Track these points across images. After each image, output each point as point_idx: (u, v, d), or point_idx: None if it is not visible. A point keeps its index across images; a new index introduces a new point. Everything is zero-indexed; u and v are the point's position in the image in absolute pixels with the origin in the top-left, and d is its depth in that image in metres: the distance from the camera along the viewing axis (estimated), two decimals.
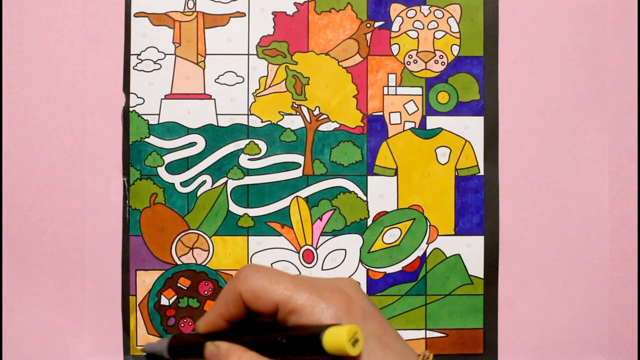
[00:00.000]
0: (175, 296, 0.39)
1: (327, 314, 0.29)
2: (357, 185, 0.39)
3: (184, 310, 0.39)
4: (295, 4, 0.39)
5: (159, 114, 0.39)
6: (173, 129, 0.39)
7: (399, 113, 0.39)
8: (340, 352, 0.26)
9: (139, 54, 0.39)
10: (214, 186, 0.39)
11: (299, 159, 0.39)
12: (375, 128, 0.39)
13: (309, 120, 0.39)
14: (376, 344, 0.29)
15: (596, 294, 0.39)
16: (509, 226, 0.39)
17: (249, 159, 0.39)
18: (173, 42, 0.39)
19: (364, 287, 0.39)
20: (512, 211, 0.39)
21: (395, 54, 0.39)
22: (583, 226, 0.39)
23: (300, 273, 0.39)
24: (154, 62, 0.39)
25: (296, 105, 0.39)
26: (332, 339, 0.26)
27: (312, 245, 0.39)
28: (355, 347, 0.26)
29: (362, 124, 0.39)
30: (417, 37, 0.39)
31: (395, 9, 0.39)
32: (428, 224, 0.39)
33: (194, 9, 0.39)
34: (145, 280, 0.39)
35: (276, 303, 0.30)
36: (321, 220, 0.39)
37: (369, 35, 0.39)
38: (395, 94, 0.39)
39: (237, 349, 0.31)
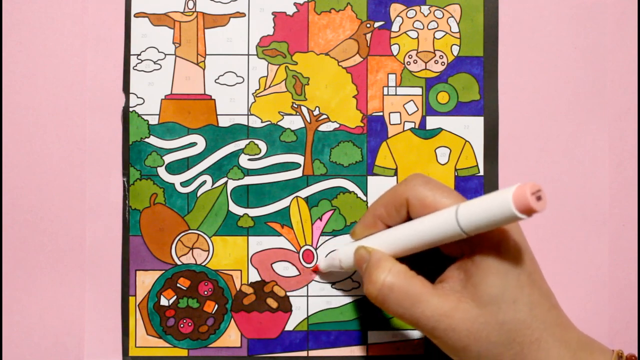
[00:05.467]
0: (175, 296, 0.39)
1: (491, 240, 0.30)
2: (357, 185, 0.39)
3: (184, 310, 0.39)
4: (295, 4, 0.39)
5: (158, 114, 0.39)
6: (173, 129, 0.39)
7: (398, 113, 0.39)
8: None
9: (139, 54, 0.39)
10: (214, 186, 0.39)
11: (299, 159, 0.39)
12: (375, 128, 0.39)
13: (308, 121, 0.39)
14: (526, 279, 0.30)
15: (596, 294, 0.39)
16: None
17: (249, 159, 0.39)
18: (173, 43, 0.39)
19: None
20: None
21: (395, 54, 0.39)
22: (583, 226, 0.39)
23: (300, 273, 0.39)
24: (154, 62, 0.39)
25: (296, 106, 0.39)
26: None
27: (312, 245, 0.39)
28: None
29: (362, 124, 0.39)
30: (417, 37, 0.39)
31: (395, 9, 0.39)
32: None
33: (194, 9, 0.39)
34: (145, 281, 0.39)
35: None
36: (321, 220, 0.39)
37: (368, 36, 0.39)
38: (395, 94, 0.39)
39: (389, 260, 0.32)
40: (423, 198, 0.31)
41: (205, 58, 0.39)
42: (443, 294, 0.30)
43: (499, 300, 0.29)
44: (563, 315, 0.31)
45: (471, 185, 0.39)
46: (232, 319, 0.39)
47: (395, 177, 0.39)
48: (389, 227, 0.33)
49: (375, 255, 0.32)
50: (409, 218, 0.32)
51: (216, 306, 0.39)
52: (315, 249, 0.39)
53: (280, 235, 0.39)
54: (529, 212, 0.26)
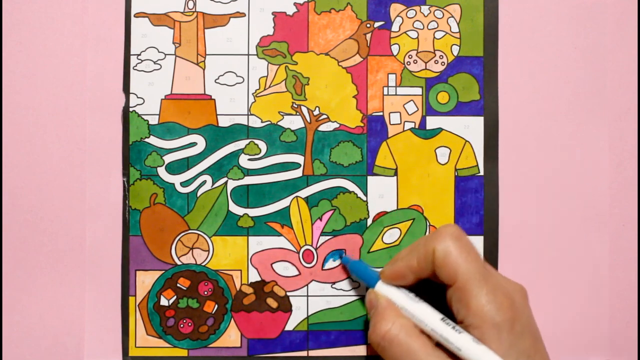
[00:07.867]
0: (175, 297, 0.39)
1: (493, 320, 0.31)
2: (357, 185, 0.39)
3: (184, 310, 0.39)
4: (295, 4, 0.39)
5: (158, 114, 0.39)
6: (173, 129, 0.39)
7: (398, 113, 0.39)
8: None
9: (139, 54, 0.39)
10: (214, 186, 0.39)
11: (299, 159, 0.39)
12: (375, 128, 0.39)
13: (308, 121, 0.39)
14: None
15: (596, 294, 0.39)
16: (509, 226, 0.39)
17: (249, 159, 0.39)
18: (173, 43, 0.39)
19: (363, 287, 0.39)
20: (511, 211, 0.39)
21: (395, 54, 0.39)
22: (583, 226, 0.39)
23: (300, 274, 0.39)
24: (154, 62, 0.39)
25: (296, 106, 0.39)
26: None
27: (312, 245, 0.39)
28: None
29: (362, 124, 0.39)
30: (417, 37, 0.39)
31: (395, 9, 0.39)
32: (428, 224, 0.39)
33: (194, 9, 0.39)
34: (145, 281, 0.39)
35: (458, 277, 0.31)
36: (321, 220, 0.39)
37: (368, 36, 0.39)
38: (395, 94, 0.39)
39: (394, 311, 0.33)
40: (448, 254, 0.32)
41: (205, 58, 0.39)
42: (441, 357, 0.31)
43: None
44: None
45: (471, 185, 0.39)
46: (232, 319, 0.39)
47: (395, 177, 0.39)
48: (418, 279, 0.34)
49: (382, 302, 0.33)
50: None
51: (216, 306, 0.39)
52: (315, 249, 0.39)
53: (280, 235, 0.39)
54: None
